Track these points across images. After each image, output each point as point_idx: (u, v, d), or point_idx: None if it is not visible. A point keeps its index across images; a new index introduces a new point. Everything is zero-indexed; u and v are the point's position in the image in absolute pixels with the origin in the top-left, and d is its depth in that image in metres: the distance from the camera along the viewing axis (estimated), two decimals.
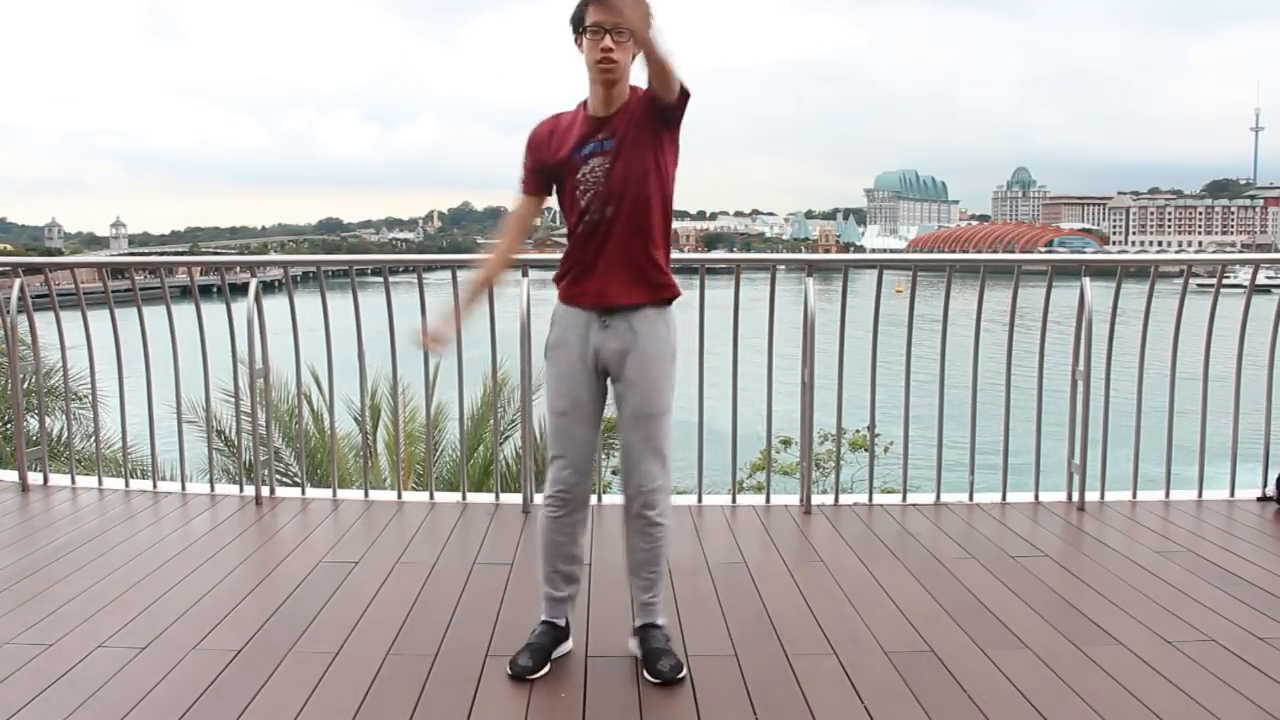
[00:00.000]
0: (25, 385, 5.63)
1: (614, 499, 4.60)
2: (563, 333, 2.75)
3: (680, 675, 2.67)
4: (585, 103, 2.65)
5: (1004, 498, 4.54)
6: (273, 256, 5.49)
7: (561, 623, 2.85)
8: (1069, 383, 4.47)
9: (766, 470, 4.98)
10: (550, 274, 4.58)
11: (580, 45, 2.57)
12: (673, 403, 2.75)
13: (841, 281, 4.51)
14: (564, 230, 2.76)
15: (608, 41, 2.49)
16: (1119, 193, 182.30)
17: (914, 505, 4.46)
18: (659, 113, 2.56)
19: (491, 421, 6.29)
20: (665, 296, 2.72)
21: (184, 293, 4.70)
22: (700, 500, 4.50)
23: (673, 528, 2.83)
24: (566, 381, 2.73)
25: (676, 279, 4.63)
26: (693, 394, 4.47)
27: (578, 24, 2.56)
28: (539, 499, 4.49)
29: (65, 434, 5.95)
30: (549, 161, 2.67)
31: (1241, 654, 2.82)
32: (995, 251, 66.96)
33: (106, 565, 3.64)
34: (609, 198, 2.59)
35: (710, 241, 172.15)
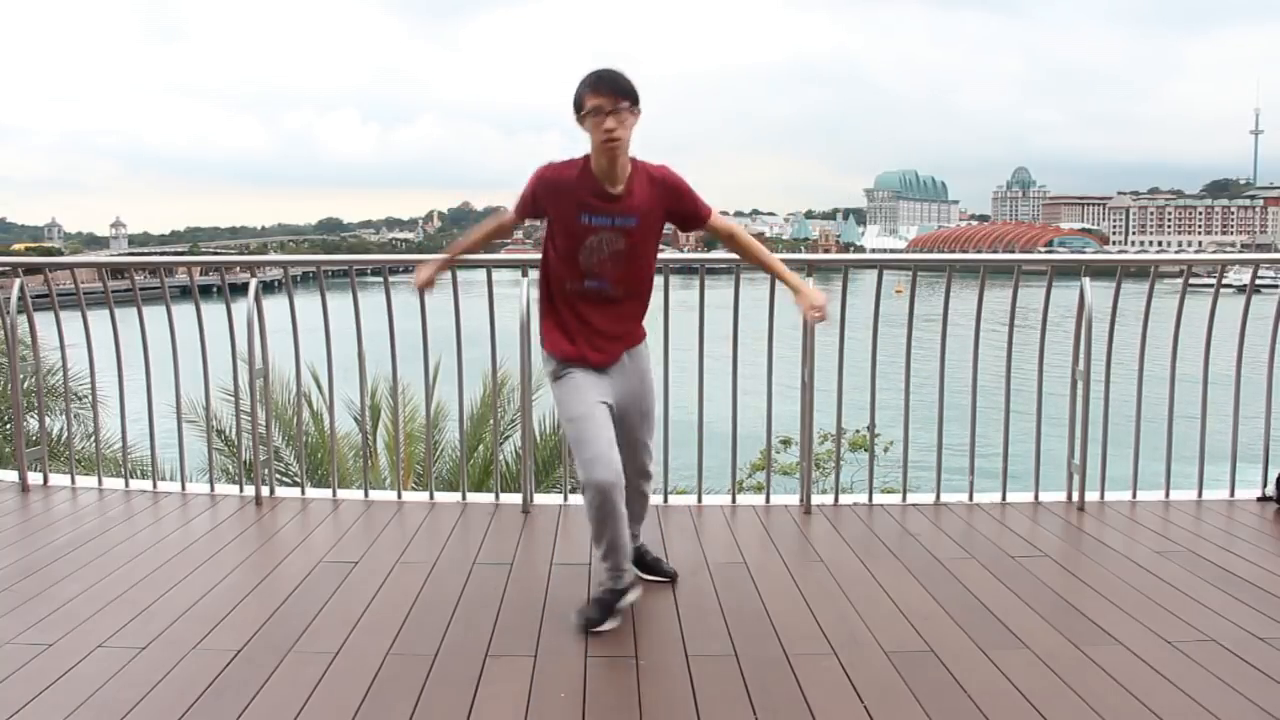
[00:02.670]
0: (25, 385, 5.63)
1: None
2: (564, 364, 3.00)
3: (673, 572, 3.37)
4: (588, 161, 2.83)
5: (1004, 498, 4.54)
6: (273, 256, 5.50)
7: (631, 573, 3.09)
8: (1069, 383, 4.47)
9: (766, 470, 4.98)
10: None
11: (583, 124, 2.78)
12: None
13: (841, 281, 4.51)
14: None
15: (610, 123, 2.69)
16: (1119, 193, 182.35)
17: (914, 505, 4.46)
18: (683, 223, 3.01)
19: (491, 421, 6.29)
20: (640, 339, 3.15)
21: (184, 293, 4.70)
22: (700, 500, 4.50)
23: None
24: (581, 390, 2.94)
25: (675, 279, 4.67)
26: (693, 394, 4.48)
27: (579, 107, 2.76)
28: (539, 500, 4.51)
29: (65, 434, 5.95)
30: (553, 211, 2.88)
31: (1241, 654, 2.82)
32: (995, 251, 66.87)
33: (106, 565, 3.64)
34: (617, 277, 2.89)
35: (710, 241, 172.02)
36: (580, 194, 2.81)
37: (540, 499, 4.60)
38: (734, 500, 4.51)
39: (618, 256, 2.84)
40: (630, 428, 3.11)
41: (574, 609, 3.12)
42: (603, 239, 2.81)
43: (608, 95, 2.70)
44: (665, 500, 4.50)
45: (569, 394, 2.96)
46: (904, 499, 4.53)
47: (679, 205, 2.94)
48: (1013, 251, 50.31)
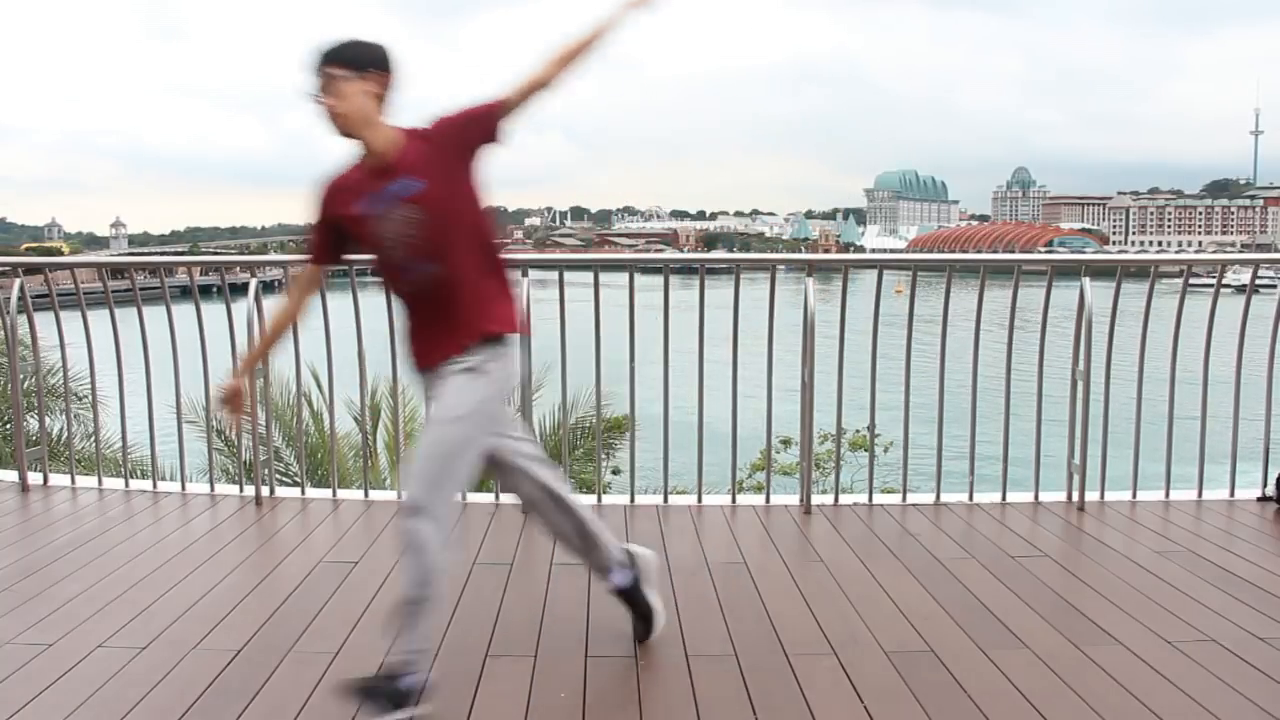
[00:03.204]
0: (25, 385, 5.62)
1: (613, 499, 4.61)
2: (420, 381, 2.65)
3: None
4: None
5: (1004, 498, 4.54)
6: (273, 256, 5.48)
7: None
8: (1069, 383, 4.47)
9: (766, 470, 4.98)
10: (551, 274, 4.62)
11: None
12: (472, 422, 2.45)
13: (841, 281, 4.51)
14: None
15: (324, 99, 2.41)
16: (1119, 193, 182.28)
17: (914, 505, 4.46)
18: (493, 132, 2.48)
19: None
20: (503, 332, 2.54)
21: (184, 293, 4.70)
22: (700, 500, 4.50)
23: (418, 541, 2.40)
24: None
25: (675, 279, 4.65)
26: (693, 394, 4.48)
27: None
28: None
29: (65, 434, 5.95)
30: (342, 216, 2.52)
31: (1241, 654, 2.82)
32: (995, 251, 66.92)
33: (106, 565, 3.64)
34: (432, 254, 2.45)
35: (710, 241, 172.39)
36: (359, 186, 2.48)
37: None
38: (734, 500, 4.51)
39: (423, 227, 2.43)
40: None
41: (574, 610, 3.12)
42: (395, 218, 2.43)
43: (318, 70, 2.41)
44: (665, 500, 4.51)
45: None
46: (904, 499, 4.53)
47: (469, 131, 2.48)
48: (1013, 251, 50.31)
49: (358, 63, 2.42)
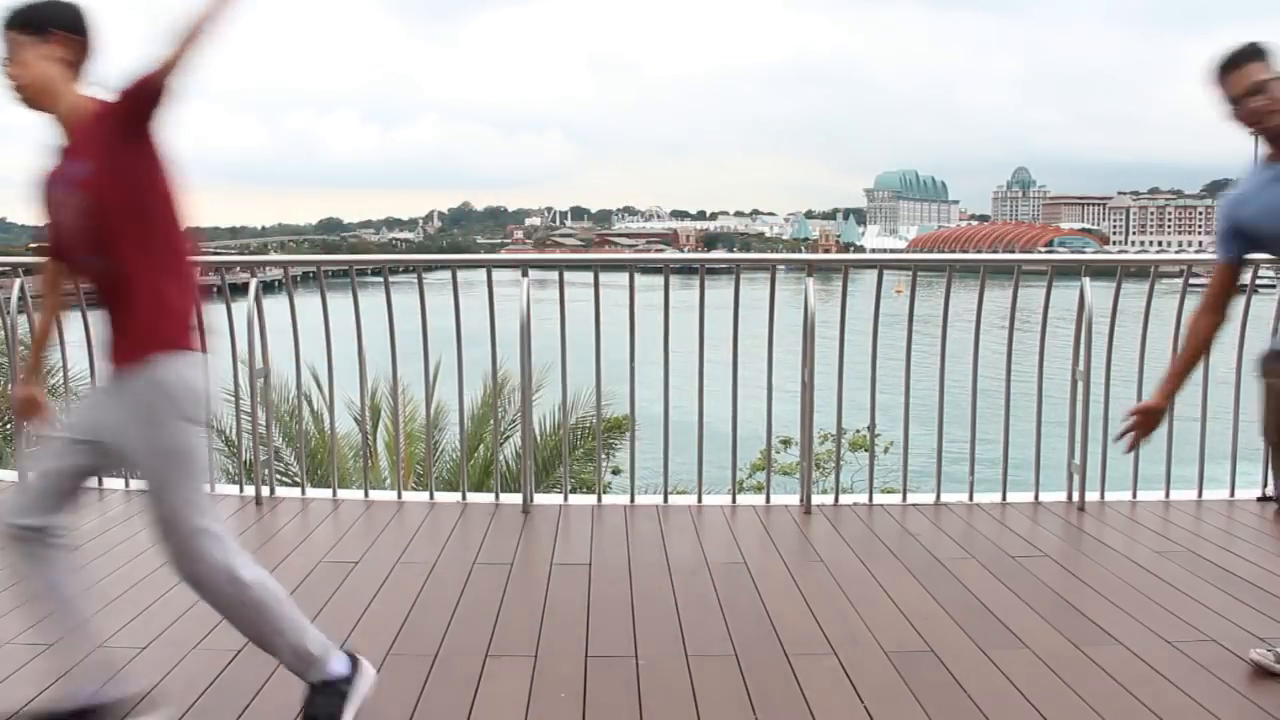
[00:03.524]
0: None
1: (613, 499, 4.61)
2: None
3: None
4: None
5: (1004, 498, 4.54)
6: (273, 256, 5.47)
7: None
8: (1069, 383, 4.47)
9: (766, 470, 4.98)
10: (551, 274, 4.63)
11: None
12: (181, 481, 2.34)
13: (841, 281, 4.51)
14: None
15: (6, 68, 2.17)
16: (1119, 193, 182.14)
17: (914, 505, 4.46)
18: (151, 103, 2.11)
19: (491, 422, 6.30)
20: (176, 349, 2.22)
21: None
22: (700, 500, 4.50)
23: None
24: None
25: (675, 279, 4.65)
26: (693, 394, 4.48)
27: None
28: (539, 500, 4.50)
29: None
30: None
31: (1241, 654, 2.82)
32: (995, 251, 66.95)
33: (106, 565, 3.64)
34: (96, 247, 2.17)
35: (710, 241, 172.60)
36: (53, 169, 2.24)
37: (540, 499, 4.60)
38: (734, 500, 4.51)
39: (86, 215, 2.15)
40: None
41: (574, 610, 3.12)
42: (68, 204, 2.18)
43: (2, 35, 2.15)
44: (665, 500, 4.51)
45: None
46: (904, 499, 4.53)
47: (129, 101, 2.11)
48: (1013, 251, 50.29)
49: (37, 24, 2.16)
